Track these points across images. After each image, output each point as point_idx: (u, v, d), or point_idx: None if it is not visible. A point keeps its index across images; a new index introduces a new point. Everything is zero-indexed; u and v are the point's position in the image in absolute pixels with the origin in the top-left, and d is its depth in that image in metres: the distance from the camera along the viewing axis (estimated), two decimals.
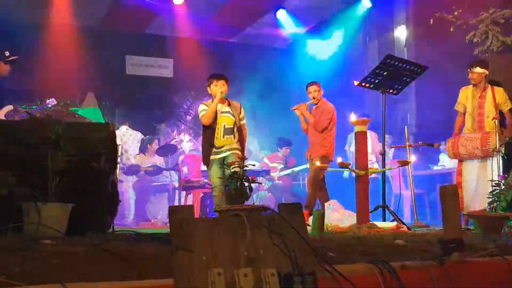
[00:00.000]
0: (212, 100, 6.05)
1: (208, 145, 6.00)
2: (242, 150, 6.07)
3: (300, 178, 10.18)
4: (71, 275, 1.99)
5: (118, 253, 2.23)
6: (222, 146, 5.96)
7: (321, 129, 6.83)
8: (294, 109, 7.04)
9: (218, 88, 5.99)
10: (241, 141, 6.10)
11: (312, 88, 7.00)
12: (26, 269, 2.00)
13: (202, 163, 9.25)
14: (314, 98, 6.96)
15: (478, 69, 6.19)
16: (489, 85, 6.25)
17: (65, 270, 2.05)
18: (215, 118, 5.96)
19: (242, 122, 6.15)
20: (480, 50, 8.68)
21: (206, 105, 6.06)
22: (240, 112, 6.14)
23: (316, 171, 6.70)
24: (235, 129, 6.04)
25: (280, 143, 10.04)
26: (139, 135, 10.10)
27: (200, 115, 6.09)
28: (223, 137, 5.97)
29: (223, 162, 5.86)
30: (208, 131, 6.02)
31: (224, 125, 5.99)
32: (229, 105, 6.10)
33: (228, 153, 5.93)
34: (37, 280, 1.87)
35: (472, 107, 6.28)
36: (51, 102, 6.86)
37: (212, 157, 5.96)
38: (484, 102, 6.21)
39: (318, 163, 6.09)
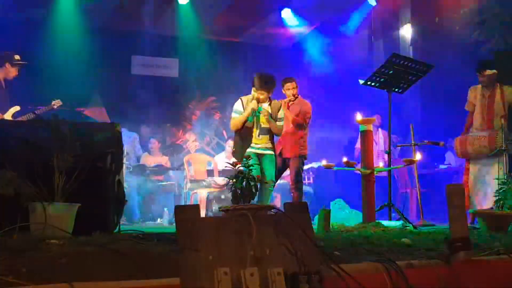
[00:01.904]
0: (253, 97, 5.88)
1: (244, 143, 5.86)
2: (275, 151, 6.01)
3: (306, 177, 10.17)
4: (78, 274, 1.99)
5: (124, 253, 2.24)
6: (257, 144, 5.87)
7: (303, 127, 6.63)
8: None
9: (256, 96, 5.87)
10: (274, 141, 6.01)
11: (290, 85, 6.75)
12: (33, 269, 2.00)
13: (207, 162, 9.38)
14: (293, 95, 6.73)
15: (488, 72, 6.17)
16: (498, 84, 6.23)
17: (72, 270, 2.06)
18: (253, 115, 5.83)
19: (278, 123, 6.01)
20: (486, 49, 8.65)
21: (242, 105, 5.92)
22: (278, 112, 6.00)
23: (300, 171, 6.65)
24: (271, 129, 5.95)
25: None
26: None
27: (232, 115, 5.99)
28: (259, 136, 5.88)
29: (259, 158, 5.79)
30: (244, 130, 5.89)
31: (261, 125, 5.88)
32: (270, 104, 5.96)
33: (264, 152, 5.87)
34: (44, 280, 1.88)
35: (480, 106, 6.26)
36: (57, 103, 6.87)
37: (249, 150, 5.81)
38: (493, 101, 6.19)
39: (324, 162, 6.07)
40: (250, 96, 5.94)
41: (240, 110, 5.90)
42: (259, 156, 5.83)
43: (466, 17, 8.80)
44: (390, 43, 11.03)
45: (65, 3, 10.04)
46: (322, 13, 11.33)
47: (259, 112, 5.84)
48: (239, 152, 5.85)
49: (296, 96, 6.79)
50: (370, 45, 11.69)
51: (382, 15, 11.15)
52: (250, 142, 5.86)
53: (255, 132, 5.87)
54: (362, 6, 11.05)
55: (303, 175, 9.95)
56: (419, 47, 10.21)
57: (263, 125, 5.90)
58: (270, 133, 5.96)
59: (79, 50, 10.09)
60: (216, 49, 11.55)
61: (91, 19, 10.30)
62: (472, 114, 6.39)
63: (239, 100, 5.98)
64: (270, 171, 5.88)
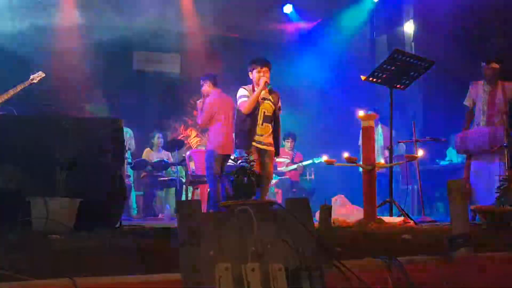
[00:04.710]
0: (253, 87, 5.83)
1: (247, 131, 5.74)
2: (277, 147, 5.91)
3: (307, 173, 10.17)
4: (79, 269, 2.00)
5: (125, 248, 2.24)
6: (262, 135, 5.77)
7: None
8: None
9: (261, 75, 5.80)
10: (277, 133, 5.92)
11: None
12: (34, 264, 2.01)
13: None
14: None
15: (495, 64, 6.16)
16: (500, 81, 6.23)
17: (73, 265, 2.06)
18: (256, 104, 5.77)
19: (279, 112, 5.99)
20: (489, 46, 8.63)
21: (247, 91, 5.82)
22: (279, 101, 5.97)
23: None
24: (273, 118, 5.89)
25: (285, 135, 10.01)
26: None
27: (239, 101, 5.83)
28: (262, 124, 5.78)
29: (260, 154, 5.71)
30: (247, 118, 5.76)
31: (264, 112, 5.80)
32: (269, 92, 5.90)
33: (265, 148, 5.78)
34: (46, 275, 1.88)
35: (482, 102, 6.25)
36: (38, 76, 6.78)
37: (254, 143, 5.71)
38: (495, 97, 6.18)
39: (325, 158, 6.05)
40: (250, 86, 5.89)
41: (247, 94, 5.80)
42: (261, 152, 5.78)
43: (469, 14, 8.77)
44: (393, 39, 11.00)
45: None
46: (325, 9, 11.31)
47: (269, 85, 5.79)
48: (245, 141, 5.74)
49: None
50: (372, 41, 11.67)
51: (385, 11, 11.12)
52: (254, 132, 5.75)
53: (260, 120, 5.77)
54: (365, 1, 11.02)
55: (305, 171, 10.03)
56: (421, 43, 10.17)
57: (267, 113, 5.83)
58: (273, 123, 5.89)
59: (81, 45, 10.09)
60: (217, 45, 11.52)
61: (93, 14, 10.29)
62: (471, 109, 6.39)
63: (241, 88, 5.91)
64: (270, 168, 5.84)
